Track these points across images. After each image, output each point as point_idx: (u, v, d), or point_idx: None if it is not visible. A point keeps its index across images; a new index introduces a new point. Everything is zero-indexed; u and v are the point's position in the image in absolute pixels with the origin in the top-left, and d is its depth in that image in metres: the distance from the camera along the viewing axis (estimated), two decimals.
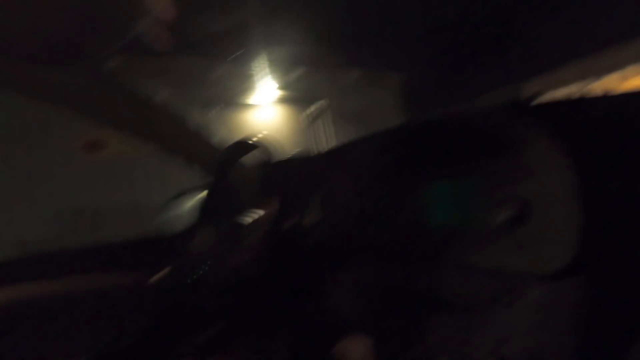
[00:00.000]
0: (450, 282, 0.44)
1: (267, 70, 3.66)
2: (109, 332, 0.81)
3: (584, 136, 0.37)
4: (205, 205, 0.85)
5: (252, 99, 3.80)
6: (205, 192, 0.87)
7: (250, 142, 0.72)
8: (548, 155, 0.35)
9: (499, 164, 0.40)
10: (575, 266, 0.32)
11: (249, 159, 0.94)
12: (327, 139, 4.23)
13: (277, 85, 3.92)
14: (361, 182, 0.61)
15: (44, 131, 2.58)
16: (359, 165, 0.63)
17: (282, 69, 3.78)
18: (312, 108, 4.19)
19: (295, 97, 4.08)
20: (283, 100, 4.00)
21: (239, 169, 0.89)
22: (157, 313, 0.81)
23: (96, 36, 0.71)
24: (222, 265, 0.69)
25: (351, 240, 0.61)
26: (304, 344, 1.06)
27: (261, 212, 0.69)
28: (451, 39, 4.15)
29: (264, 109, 3.88)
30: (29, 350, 0.78)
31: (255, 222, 0.69)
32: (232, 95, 3.66)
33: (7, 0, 0.56)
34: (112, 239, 1.00)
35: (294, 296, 0.69)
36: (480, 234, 0.40)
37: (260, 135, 0.70)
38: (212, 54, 3.16)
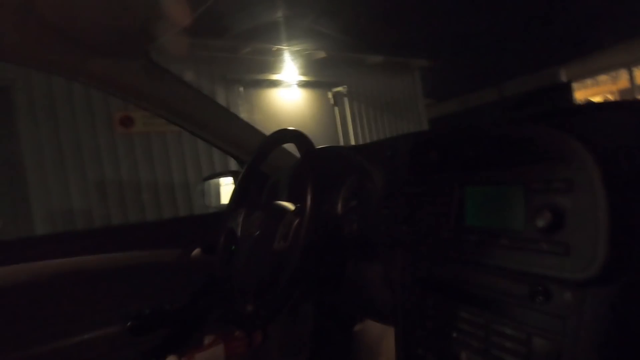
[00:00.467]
0: (481, 278, 0.47)
1: (294, 51, 3.66)
2: (153, 302, 0.88)
3: (619, 148, 0.39)
4: (241, 188, 0.90)
5: (277, 77, 3.81)
6: (241, 176, 0.91)
7: (288, 132, 0.76)
8: (586, 169, 0.37)
9: (537, 173, 0.42)
10: (604, 276, 0.35)
11: (285, 148, 0.98)
12: (345, 121, 4.23)
13: (302, 67, 3.92)
14: (397, 179, 0.64)
15: (90, 109, 2.72)
16: (396, 162, 0.66)
17: (308, 51, 3.77)
18: (334, 90, 4.17)
19: (318, 80, 4.06)
20: (307, 82, 4.00)
21: (277, 157, 0.93)
22: (199, 287, 0.88)
23: (145, 32, 0.75)
24: (259, 244, 0.74)
25: (383, 233, 0.65)
26: (328, 323, 1.13)
27: (292, 203, 0.73)
28: (477, 25, 4.03)
29: (290, 89, 3.90)
30: (75, 314, 0.85)
31: (287, 209, 0.73)
32: (258, 73, 3.69)
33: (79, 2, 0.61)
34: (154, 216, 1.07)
35: (324, 281, 0.74)
36: (515, 237, 0.43)
37: (296, 129, 0.73)
38: (240, 35, 3.17)
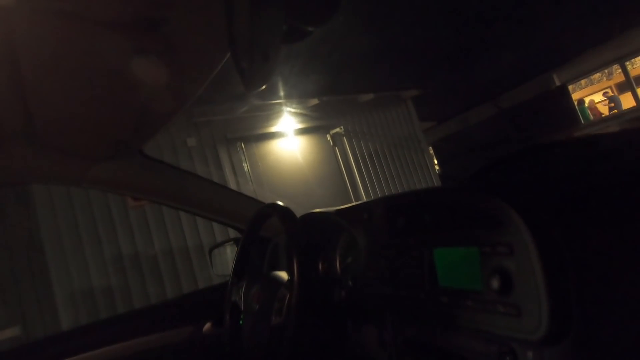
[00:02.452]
0: (457, 340, 0.50)
1: (288, 101, 3.83)
2: None
3: (554, 206, 0.43)
4: (240, 260, 0.95)
5: (275, 129, 3.96)
6: (239, 248, 0.96)
7: (271, 208, 0.81)
8: (521, 233, 0.41)
9: (486, 237, 0.46)
10: (554, 334, 0.37)
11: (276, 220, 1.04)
12: (347, 160, 4.31)
13: (298, 115, 4.08)
14: (376, 241, 0.68)
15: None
16: (372, 225, 0.70)
17: (301, 99, 3.95)
18: (332, 132, 4.30)
19: (316, 125, 4.21)
20: (305, 129, 4.15)
21: (269, 228, 0.98)
22: None
23: (138, 134, 0.84)
24: (258, 320, 0.77)
25: (371, 295, 0.68)
26: None
27: (284, 272, 0.77)
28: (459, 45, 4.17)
29: (288, 137, 4.04)
30: None
31: (281, 279, 0.77)
32: (257, 128, 3.85)
33: (80, 114, 0.70)
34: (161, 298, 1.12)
35: (325, 346, 0.76)
36: (477, 299, 0.46)
37: (278, 204, 0.79)
38: (236, 96, 3.36)
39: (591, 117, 7.29)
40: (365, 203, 0.75)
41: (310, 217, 0.87)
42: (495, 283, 0.43)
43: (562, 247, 0.39)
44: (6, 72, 0.55)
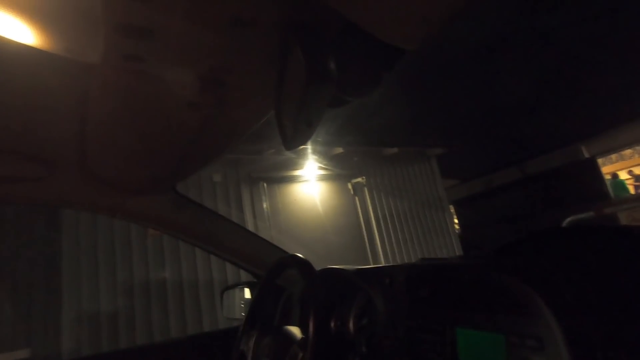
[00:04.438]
0: None
1: (314, 147, 3.94)
2: None
3: (585, 301, 0.42)
4: (254, 309, 0.94)
5: (298, 173, 4.04)
6: (256, 295, 0.95)
7: (293, 259, 0.82)
8: (552, 329, 0.39)
9: (513, 325, 0.44)
10: None
11: (294, 272, 1.04)
12: (366, 210, 4.29)
13: (321, 162, 4.17)
14: (397, 307, 0.67)
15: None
16: (394, 291, 0.69)
17: (326, 147, 4.06)
18: (353, 182, 4.34)
19: (338, 173, 4.27)
20: (327, 176, 4.21)
21: (285, 277, 0.98)
22: None
23: (175, 173, 0.89)
24: None
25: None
26: None
27: (297, 328, 0.76)
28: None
29: (310, 182, 4.10)
30: None
31: (294, 336, 0.75)
32: (280, 170, 3.94)
33: (129, 151, 0.75)
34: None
35: None
36: None
37: (300, 256, 0.79)
38: (264, 137, 3.49)
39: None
40: (388, 267, 0.74)
41: (329, 273, 0.87)
42: None
43: (597, 349, 0.38)
44: (74, 113, 0.62)
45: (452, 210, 7.68)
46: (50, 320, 2.56)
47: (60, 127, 0.63)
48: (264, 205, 3.72)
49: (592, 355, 0.37)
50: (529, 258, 0.63)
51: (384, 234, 4.30)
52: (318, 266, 0.90)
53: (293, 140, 0.59)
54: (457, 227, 7.34)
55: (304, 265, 0.76)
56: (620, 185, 6.94)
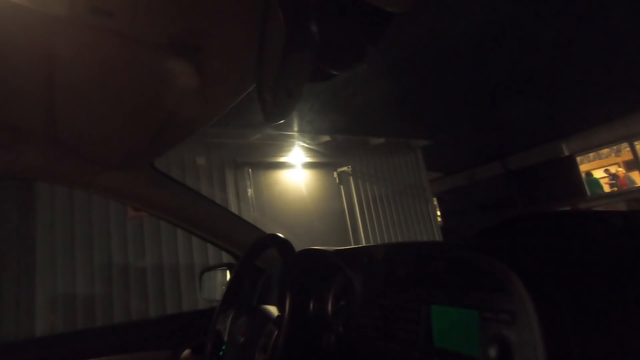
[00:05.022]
0: None
1: (301, 135, 3.91)
2: None
3: (560, 278, 0.42)
4: (232, 288, 0.92)
5: (284, 160, 4.01)
6: (233, 275, 0.94)
7: (272, 238, 0.80)
8: (524, 303, 0.39)
9: (487, 301, 0.44)
10: None
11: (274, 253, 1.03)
12: (351, 199, 4.31)
13: (308, 149, 4.14)
14: (373, 288, 0.67)
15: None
16: (371, 271, 0.68)
17: (313, 135, 4.03)
18: (339, 170, 4.34)
19: (324, 161, 4.26)
20: (313, 163, 4.19)
21: (265, 258, 0.97)
22: None
23: (152, 148, 0.86)
24: (241, 353, 0.74)
25: (364, 346, 0.65)
26: None
27: (275, 307, 0.75)
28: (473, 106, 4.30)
29: (295, 169, 4.07)
30: None
31: (270, 314, 0.75)
32: (266, 156, 3.90)
33: (101, 123, 0.71)
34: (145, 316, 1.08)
35: None
36: None
37: (279, 235, 0.78)
38: (251, 123, 3.44)
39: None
40: (367, 247, 0.74)
41: (308, 254, 0.86)
42: (493, 352, 0.41)
43: (567, 323, 0.38)
44: (41, 74, 0.58)
45: (436, 203, 7.80)
46: (23, 303, 2.49)
47: (25, 89, 0.59)
48: (249, 191, 3.68)
49: (562, 328, 0.38)
50: (505, 240, 0.64)
51: (367, 222, 4.33)
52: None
53: (273, 113, 0.57)
54: (439, 219, 7.47)
55: (282, 243, 0.74)
56: (594, 182, 7.17)
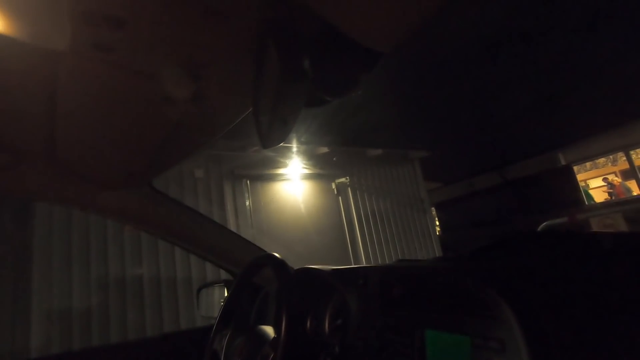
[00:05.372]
0: None
1: (298, 146, 3.93)
2: None
3: (547, 303, 0.43)
4: (228, 307, 0.92)
5: (282, 171, 4.02)
6: (230, 294, 0.94)
7: (268, 259, 0.81)
8: (514, 332, 0.40)
9: (478, 327, 0.45)
10: None
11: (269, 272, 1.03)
12: (349, 211, 4.31)
13: (306, 161, 4.16)
14: (369, 308, 0.67)
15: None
16: (367, 291, 0.69)
17: (311, 146, 4.05)
18: (337, 181, 4.35)
19: (322, 172, 4.27)
20: (311, 175, 4.20)
21: (263, 276, 0.97)
22: None
23: (151, 168, 0.87)
24: None
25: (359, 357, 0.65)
26: None
27: (271, 328, 0.75)
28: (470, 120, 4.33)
29: (293, 181, 4.08)
30: None
31: (267, 336, 0.75)
32: (264, 168, 3.91)
33: (102, 145, 0.72)
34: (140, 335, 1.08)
35: None
36: None
37: (276, 256, 0.79)
38: (249, 135, 3.46)
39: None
40: (363, 268, 0.75)
41: (305, 273, 0.86)
42: None
43: (555, 352, 0.39)
44: (41, 97, 0.59)
45: (434, 213, 7.81)
46: (19, 316, 2.47)
47: (26, 112, 0.61)
48: (247, 203, 3.68)
49: (550, 358, 0.38)
50: (498, 262, 0.64)
51: (366, 235, 4.32)
52: (299, 266, 0.90)
53: (269, 138, 0.58)
54: (438, 230, 7.47)
55: (278, 265, 0.75)
56: (585, 193, 7.21)
